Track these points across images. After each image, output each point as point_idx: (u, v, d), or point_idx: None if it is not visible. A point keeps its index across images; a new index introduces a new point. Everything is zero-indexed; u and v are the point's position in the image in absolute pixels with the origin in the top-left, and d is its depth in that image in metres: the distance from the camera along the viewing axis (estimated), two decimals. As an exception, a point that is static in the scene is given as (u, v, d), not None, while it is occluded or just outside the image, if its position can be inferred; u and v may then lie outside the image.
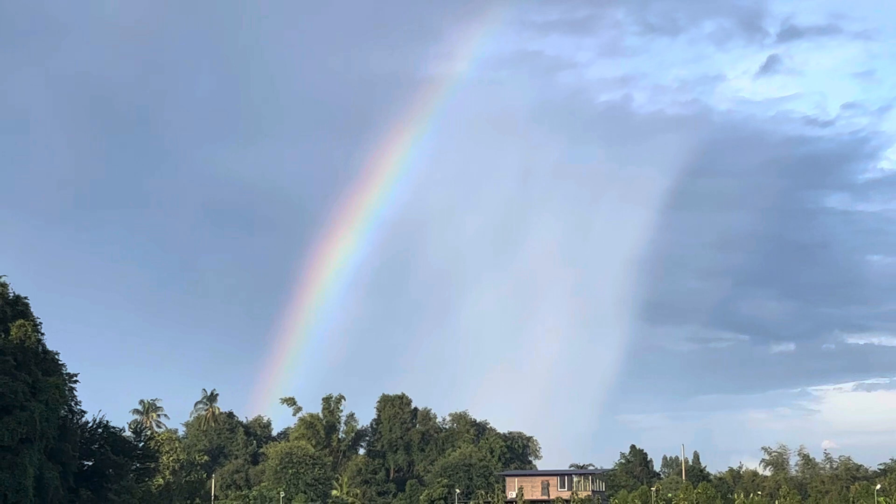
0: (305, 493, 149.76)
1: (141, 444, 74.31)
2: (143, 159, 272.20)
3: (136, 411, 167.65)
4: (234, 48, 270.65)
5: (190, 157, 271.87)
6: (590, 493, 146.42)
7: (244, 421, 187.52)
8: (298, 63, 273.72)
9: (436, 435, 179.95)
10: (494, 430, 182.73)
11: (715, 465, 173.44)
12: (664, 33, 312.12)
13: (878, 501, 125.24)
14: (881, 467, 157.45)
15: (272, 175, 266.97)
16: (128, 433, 74.80)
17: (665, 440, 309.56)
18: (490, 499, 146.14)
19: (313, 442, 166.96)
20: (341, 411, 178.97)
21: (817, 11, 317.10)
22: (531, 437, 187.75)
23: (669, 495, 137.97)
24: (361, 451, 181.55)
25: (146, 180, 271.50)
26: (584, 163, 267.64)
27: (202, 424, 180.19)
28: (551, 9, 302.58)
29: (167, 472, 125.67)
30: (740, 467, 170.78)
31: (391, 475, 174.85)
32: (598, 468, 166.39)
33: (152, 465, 77.66)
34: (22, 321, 59.11)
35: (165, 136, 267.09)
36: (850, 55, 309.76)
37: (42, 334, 61.31)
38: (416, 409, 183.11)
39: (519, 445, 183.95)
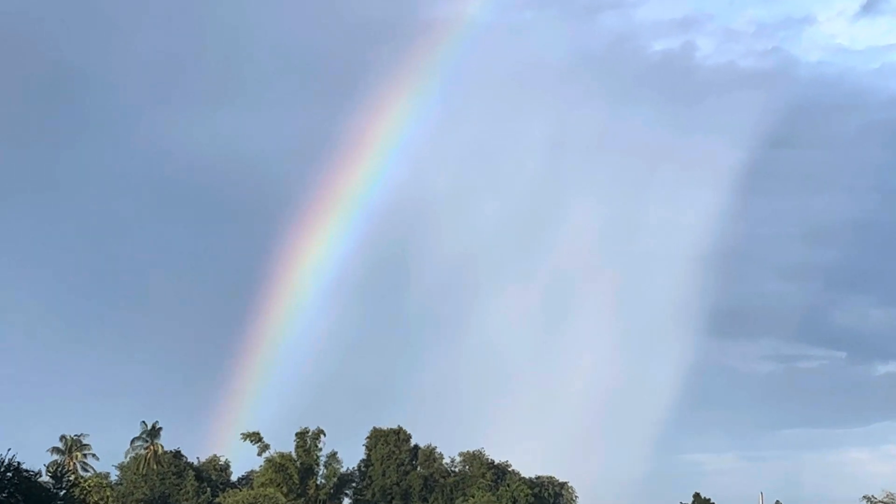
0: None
1: (62, 493, 74.13)
2: (65, 129, 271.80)
3: (55, 450, 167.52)
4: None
5: (128, 125, 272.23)
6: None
7: (195, 462, 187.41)
8: (268, 6, 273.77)
9: (442, 480, 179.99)
10: (518, 473, 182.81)
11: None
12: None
13: None
14: None
15: (234, 148, 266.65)
16: (45, 478, 74.58)
17: (739, 486, 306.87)
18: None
19: (284, 489, 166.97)
20: (320, 450, 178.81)
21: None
22: (565, 482, 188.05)
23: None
24: (346, 501, 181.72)
25: (69, 156, 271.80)
26: (633, 131, 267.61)
27: (141, 467, 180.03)
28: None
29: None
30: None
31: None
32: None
33: (77, 519, 77.27)
34: None
35: (96, 100, 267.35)
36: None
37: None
38: (416, 446, 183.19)
39: (550, 493, 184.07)
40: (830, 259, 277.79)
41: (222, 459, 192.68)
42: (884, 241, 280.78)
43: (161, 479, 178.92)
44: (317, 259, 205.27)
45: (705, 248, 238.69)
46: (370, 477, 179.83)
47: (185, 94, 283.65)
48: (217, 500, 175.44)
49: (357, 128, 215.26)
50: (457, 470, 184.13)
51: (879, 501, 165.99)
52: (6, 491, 69.36)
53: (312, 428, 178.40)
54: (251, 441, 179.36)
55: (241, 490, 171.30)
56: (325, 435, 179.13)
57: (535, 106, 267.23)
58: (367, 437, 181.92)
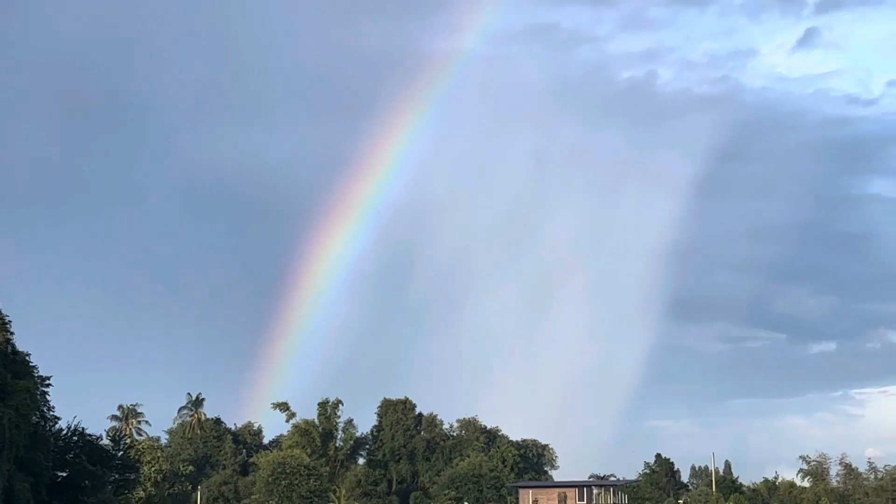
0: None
1: (120, 454, 74.31)
2: (122, 145, 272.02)
3: (114, 417, 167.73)
4: (221, 21, 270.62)
5: (172, 142, 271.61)
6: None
7: (233, 428, 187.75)
8: (290, 37, 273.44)
9: (442, 443, 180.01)
10: (507, 437, 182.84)
11: (748, 476, 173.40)
12: (692, 4, 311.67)
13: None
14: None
15: (261, 161, 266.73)
16: (105, 441, 74.82)
17: (694, 448, 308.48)
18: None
19: (308, 451, 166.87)
20: (339, 417, 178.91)
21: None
22: (547, 445, 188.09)
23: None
24: (361, 461, 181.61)
25: (126, 168, 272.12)
26: (604, 147, 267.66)
27: (187, 432, 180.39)
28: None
29: (149, 484, 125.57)
30: (776, 478, 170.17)
31: (393, 487, 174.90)
32: (620, 479, 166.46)
33: (132, 477, 77.74)
34: (-11, 319, 59.01)
35: (146, 120, 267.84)
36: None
37: (11, 333, 61.17)
38: (420, 414, 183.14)
39: (533, 454, 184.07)
40: (772, 255, 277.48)
41: (256, 425, 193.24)
42: (817, 240, 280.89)
43: (204, 442, 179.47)
44: (334, 255, 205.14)
45: (666, 246, 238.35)
46: (381, 440, 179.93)
47: (219, 113, 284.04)
48: (251, 460, 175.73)
49: (368, 142, 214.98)
50: (455, 434, 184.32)
51: (813, 461, 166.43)
52: (72, 452, 69.53)
53: (332, 398, 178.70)
54: (280, 410, 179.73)
55: (271, 451, 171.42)
56: (342, 404, 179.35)
57: (521, 125, 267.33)
58: (379, 407, 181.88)
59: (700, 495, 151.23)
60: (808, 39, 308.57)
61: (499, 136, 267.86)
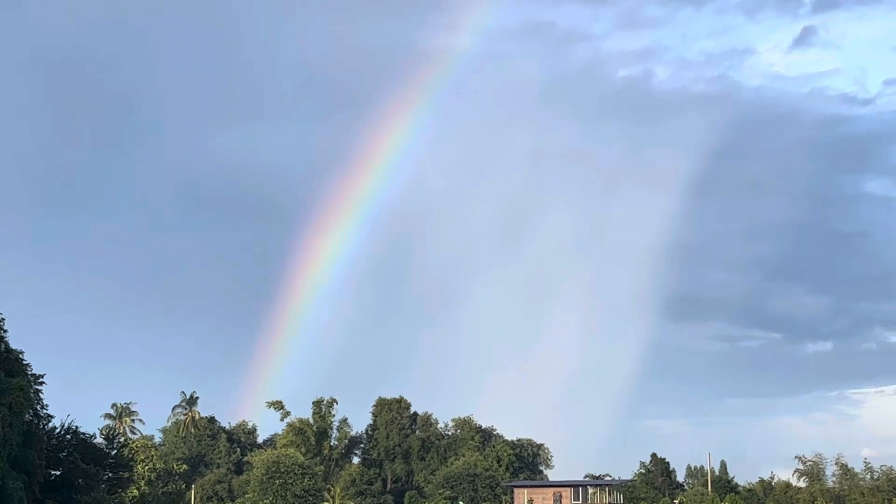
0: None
1: (114, 452, 74.23)
2: (117, 141, 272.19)
3: (108, 416, 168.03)
4: (220, 22, 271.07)
5: (169, 137, 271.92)
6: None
7: (227, 426, 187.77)
8: (288, 35, 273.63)
9: (437, 442, 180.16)
10: (501, 436, 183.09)
11: (744, 476, 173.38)
12: (688, 2, 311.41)
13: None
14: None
15: (261, 158, 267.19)
16: (99, 440, 74.76)
17: (689, 448, 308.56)
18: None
19: (303, 449, 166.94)
20: (333, 416, 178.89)
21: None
22: (542, 444, 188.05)
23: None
24: (356, 460, 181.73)
25: (121, 163, 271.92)
26: (601, 145, 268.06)
27: (181, 430, 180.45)
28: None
29: (142, 483, 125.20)
30: (772, 478, 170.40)
31: (388, 486, 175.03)
32: (616, 479, 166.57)
33: (126, 475, 77.64)
34: (-18, 318, 58.98)
35: (143, 116, 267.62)
36: (893, 27, 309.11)
37: (5, 331, 61.21)
38: (415, 413, 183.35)
39: (528, 454, 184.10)
40: (768, 254, 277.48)
41: (250, 424, 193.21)
42: (813, 239, 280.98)
43: (198, 441, 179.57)
44: (330, 254, 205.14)
45: (662, 245, 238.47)
46: (376, 439, 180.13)
47: (217, 112, 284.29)
48: (246, 458, 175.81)
49: (366, 140, 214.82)
50: (450, 433, 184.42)
51: (809, 461, 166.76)
52: (66, 451, 69.45)
53: (327, 397, 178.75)
54: (275, 408, 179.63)
55: (266, 450, 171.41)
56: (337, 403, 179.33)
57: (518, 123, 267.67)
58: (374, 405, 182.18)
59: (696, 495, 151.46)
60: (804, 38, 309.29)
61: (496, 134, 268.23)
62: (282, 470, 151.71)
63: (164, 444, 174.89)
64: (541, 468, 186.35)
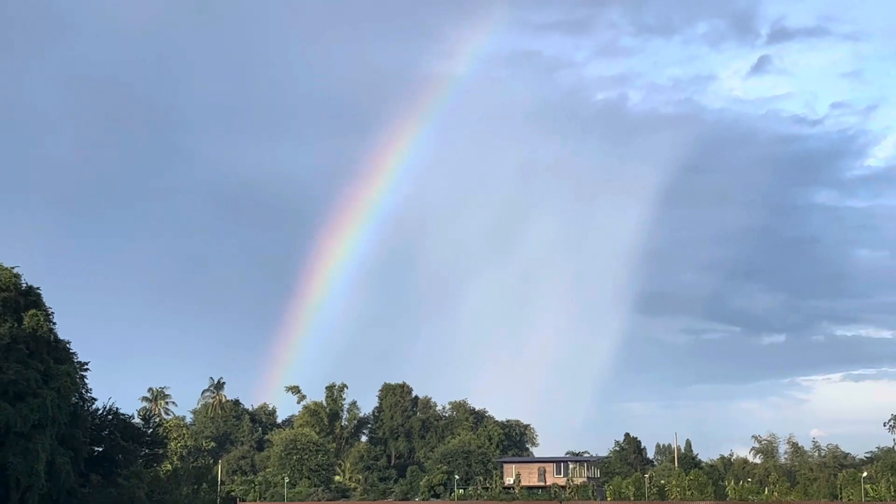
0: (309, 478, 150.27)
1: (150, 431, 74.26)
2: (156, 155, 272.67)
3: (145, 399, 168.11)
4: (244, 48, 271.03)
5: (199, 152, 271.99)
6: (585, 479, 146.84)
7: (250, 408, 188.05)
8: (305, 61, 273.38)
9: (436, 423, 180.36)
10: (493, 418, 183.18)
11: (707, 453, 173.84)
12: (659, 34, 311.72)
13: (864, 489, 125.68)
14: (868, 455, 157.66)
15: (280, 170, 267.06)
16: (137, 420, 74.82)
17: (658, 428, 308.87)
18: (488, 485, 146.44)
19: (317, 429, 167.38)
20: (344, 399, 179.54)
21: (807, 13, 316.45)
22: (528, 425, 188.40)
23: (662, 482, 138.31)
24: (363, 439, 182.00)
25: (160, 175, 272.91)
26: (582, 160, 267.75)
27: (209, 412, 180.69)
28: (550, 10, 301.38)
29: (175, 458, 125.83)
30: (731, 455, 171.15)
31: (392, 461, 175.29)
32: (594, 455, 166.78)
33: (161, 452, 77.76)
34: (34, 311, 59.16)
35: (176, 132, 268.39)
36: (839, 56, 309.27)
37: (54, 324, 61.35)
38: (416, 397, 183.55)
39: (516, 433, 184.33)
40: (730, 257, 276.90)
41: (270, 406, 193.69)
42: (770, 243, 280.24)
43: (224, 421, 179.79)
44: (342, 254, 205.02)
45: (636, 248, 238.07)
46: (381, 420, 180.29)
47: (242, 128, 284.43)
48: (266, 437, 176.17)
49: (373, 155, 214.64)
50: (447, 415, 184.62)
51: (764, 440, 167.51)
52: (107, 430, 69.51)
53: (338, 383, 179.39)
54: (292, 392, 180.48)
55: (284, 429, 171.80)
56: (347, 388, 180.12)
57: (509, 140, 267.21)
58: (380, 390, 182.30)
59: (664, 470, 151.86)
60: (761, 66, 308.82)
61: (489, 150, 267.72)
62: (298, 447, 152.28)
63: (194, 424, 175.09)
64: (527, 446, 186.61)
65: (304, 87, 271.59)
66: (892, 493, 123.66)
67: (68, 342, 63.59)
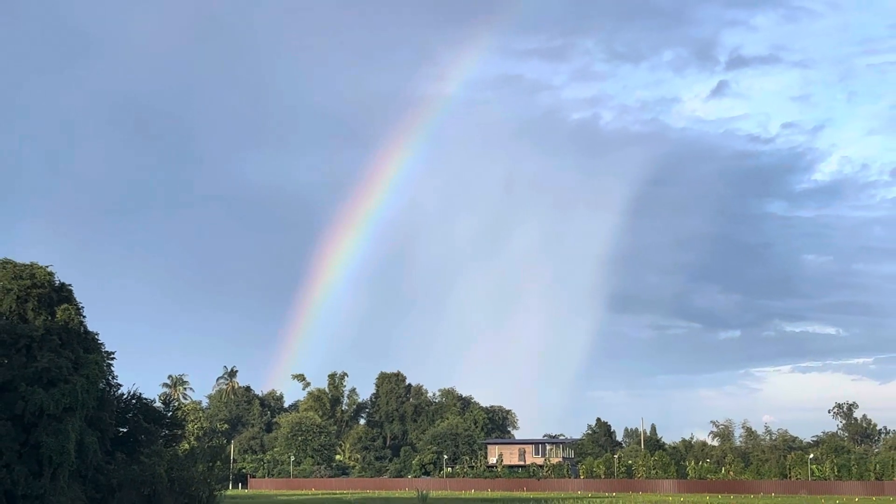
0: (312, 457, 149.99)
1: (169, 414, 73.85)
2: (177, 166, 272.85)
3: (165, 385, 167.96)
4: (255, 70, 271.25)
5: (219, 162, 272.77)
6: (560, 459, 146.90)
7: (260, 394, 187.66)
8: (310, 83, 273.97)
9: (427, 408, 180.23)
10: (478, 403, 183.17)
11: (670, 436, 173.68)
12: (628, 60, 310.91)
13: (810, 469, 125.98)
14: (814, 439, 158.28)
15: (287, 179, 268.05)
16: (158, 404, 74.36)
17: (627, 414, 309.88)
18: (473, 464, 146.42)
19: (320, 413, 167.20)
20: (345, 386, 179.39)
21: (761, 43, 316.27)
22: (510, 410, 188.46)
23: (630, 462, 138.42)
24: (362, 422, 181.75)
25: (182, 181, 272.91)
26: (559, 174, 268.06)
27: (223, 397, 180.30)
28: (531, 38, 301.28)
29: (192, 439, 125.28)
30: (692, 438, 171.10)
31: (387, 442, 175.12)
32: (568, 438, 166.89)
33: (179, 433, 77.27)
34: (66, 305, 58.79)
35: (199, 145, 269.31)
36: (790, 81, 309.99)
37: (84, 317, 60.93)
38: (409, 385, 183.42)
39: (499, 417, 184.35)
40: (691, 260, 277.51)
41: (278, 392, 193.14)
42: (727, 249, 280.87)
43: (236, 405, 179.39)
44: (344, 256, 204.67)
45: (607, 253, 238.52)
46: (378, 405, 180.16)
47: (256, 143, 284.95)
48: (274, 420, 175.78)
49: (372, 167, 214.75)
50: (437, 400, 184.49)
51: (721, 425, 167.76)
52: (131, 412, 69.19)
53: (339, 371, 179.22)
54: (298, 380, 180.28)
55: (290, 413, 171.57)
56: (348, 376, 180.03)
57: (494, 156, 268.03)
58: (377, 378, 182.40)
59: (631, 451, 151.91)
60: (720, 90, 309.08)
61: (476, 164, 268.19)
62: (303, 429, 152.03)
63: (209, 408, 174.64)
64: (509, 429, 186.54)
65: (309, 106, 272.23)
66: (836, 473, 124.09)
67: (97, 333, 63.16)
